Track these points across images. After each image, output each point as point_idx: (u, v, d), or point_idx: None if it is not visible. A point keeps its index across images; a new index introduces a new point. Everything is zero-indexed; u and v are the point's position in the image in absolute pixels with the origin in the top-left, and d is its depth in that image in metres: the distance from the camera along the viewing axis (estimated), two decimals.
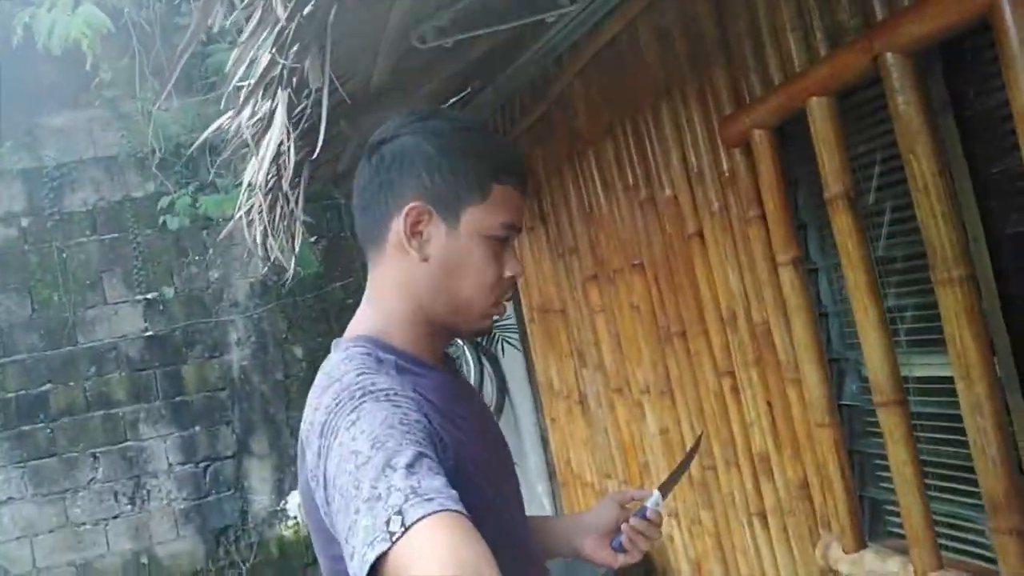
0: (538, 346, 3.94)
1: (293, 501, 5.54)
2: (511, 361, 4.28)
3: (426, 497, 0.79)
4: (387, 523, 0.78)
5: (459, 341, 4.18)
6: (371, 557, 0.77)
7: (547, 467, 4.21)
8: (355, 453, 0.85)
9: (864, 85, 1.71)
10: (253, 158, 2.11)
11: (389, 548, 0.77)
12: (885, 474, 1.92)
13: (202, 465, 5.49)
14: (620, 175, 2.77)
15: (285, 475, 5.53)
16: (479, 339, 4.22)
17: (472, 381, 4.16)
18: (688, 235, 2.41)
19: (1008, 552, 1.56)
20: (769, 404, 2.26)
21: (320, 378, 1.00)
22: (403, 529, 0.77)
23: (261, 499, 5.53)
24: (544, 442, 4.20)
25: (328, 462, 0.89)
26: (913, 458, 1.77)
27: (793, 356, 2.09)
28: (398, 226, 1.01)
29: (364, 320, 1.07)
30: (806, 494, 2.19)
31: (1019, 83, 1.32)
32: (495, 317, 1.09)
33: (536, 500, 4.31)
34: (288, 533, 5.52)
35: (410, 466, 0.82)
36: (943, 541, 1.84)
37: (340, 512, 0.85)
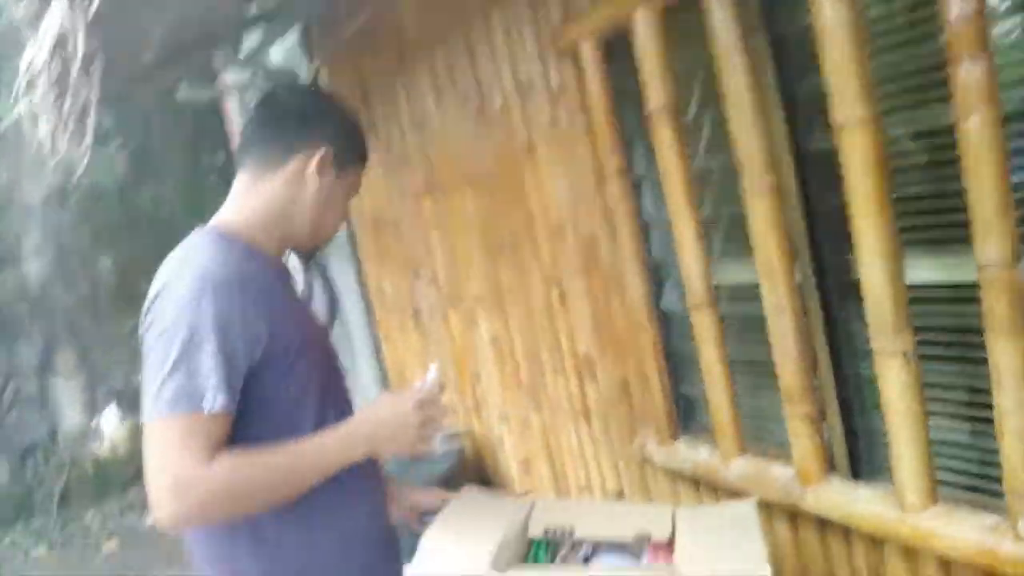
0: (371, 259, 3.87)
1: (107, 418, 5.24)
2: (342, 274, 4.18)
3: (229, 395, 1.14)
4: (201, 397, 1.12)
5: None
6: (178, 408, 1.12)
7: (381, 378, 4.21)
8: (192, 329, 1.13)
9: (687, 2, 1.75)
10: (31, 44, 1.86)
11: (184, 413, 1.11)
12: (698, 372, 2.07)
13: (0, 381, 5.03)
14: (452, 85, 2.71)
15: (96, 394, 5.20)
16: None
17: (299, 291, 4.03)
18: (519, 147, 2.42)
19: (799, 434, 1.74)
20: (594, 310, 2.36)
21: (176, 254, 1.24)
22: (211, 409, 1.12)
23: (71, 418, 5.18)
24: (377, 354, 4.18)
25: (154, 330, 1.17)
26: (721, 357, 1.92)
27: (617, 265, 2.18)
28: (305, 160, 1.30)
29: (230, 217, 1.31)
30: (626, 393, 2.34)
31: (822, 7, 1.40)
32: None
33: None
34: (103, 451, 5.24)
35: (230, 362, 1.14)
36: (748, 431, 2.02)
37: (155, 365, 1.14)
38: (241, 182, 1.32)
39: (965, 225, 1.35)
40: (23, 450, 5.11)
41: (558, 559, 1.53)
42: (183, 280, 1.16)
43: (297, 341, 1.25)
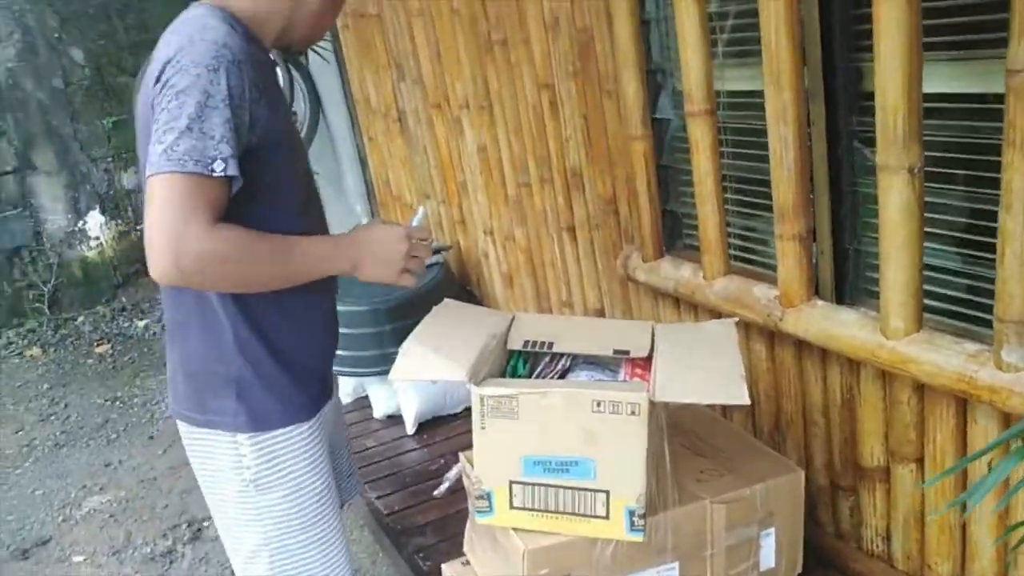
0: (353, 58, 3.63)
1: (93, 221, 5.17)
2: (325, 75, 3.94)
3: (238, 165, 1.14)
4: (212, 160, 1.11)
5: None
6: (187, 167, 1.10)
7: (365, 187, 4.09)
8: (207, 94, 1.12)
9: None
10: None
11: (194, 174, 1.10)
12: (688, 189, 1.95)
13: None
14: None
15: (80, 193, 5.08)
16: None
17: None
18: None
19: (787, 255, 1.66)
20: (585, 118, 2.21)
21: (185, 24, 1.20)
22: (223, 174, 1.12)
23: (55, 219, 5.10)
24: (362, 161, 4.04)
25: (168, 88, 1.13)
26: (715, 169, 1.80)
27: (613, 66, 2.00)
28: None
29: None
30: (613, 208, 2.23)
31: None
32: None
33: (355, 221, 4.23)
34: (91, 254, 5.20)
35: (239, 134, 1.14)
36: (733, 252, 1.94)
37: (166, 121, 1.12)
38: None
39: (997, 28, 1.18)
40: (9, 253, 5.06)
41: (536, 373, 1.50)
42: (199, 48, 1.14)
43: (283, 133, 1.27)
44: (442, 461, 2.58)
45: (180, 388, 1.36)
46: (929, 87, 1.35)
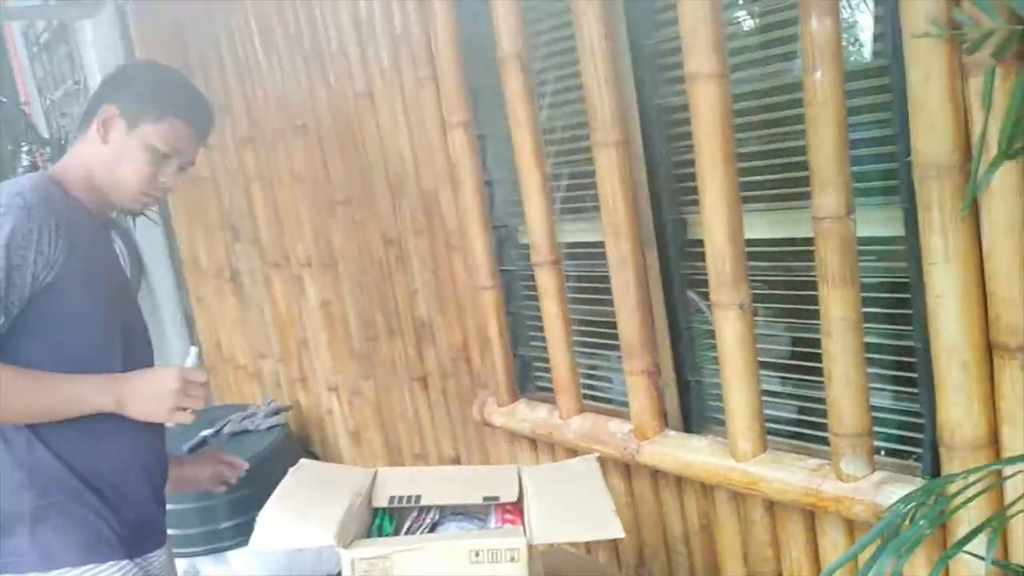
0: (182, 218, 3.56)
1: None
2: (148, 236, 3.81)
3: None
4: None
5: None
6: None
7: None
8: None
9: None
10: None
11: None
12: (538, 334, 2.05)
13: None
14: (281, 23, 2.51)
15: None
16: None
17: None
18: (357, 94, 2.28)
19: (638, 390, 1.77)
20: (433, 272, 2.29)
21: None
22: None
23: None
24: (189, 324, 3.86)
25: None
26: (563, 314, 1.91)
27: (459, 223, 2.11)
28: (97, 120, 1.37)
29: (55, 168, 1.40)
30: (464, 356, 2.28)
31: None
32: (147, 205, 1.46)
33: None
34: None
35: (8, 278, 1.20)
36: (585, 390, 2.04)
37: None
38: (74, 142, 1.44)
39: (801, 183, 1.40)
40: None
41: (404, 529, 1.46)
42: None
43: (83, 276, 1.29)
44: None
45: None
46: (755, 234, 1.55)
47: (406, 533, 1.44)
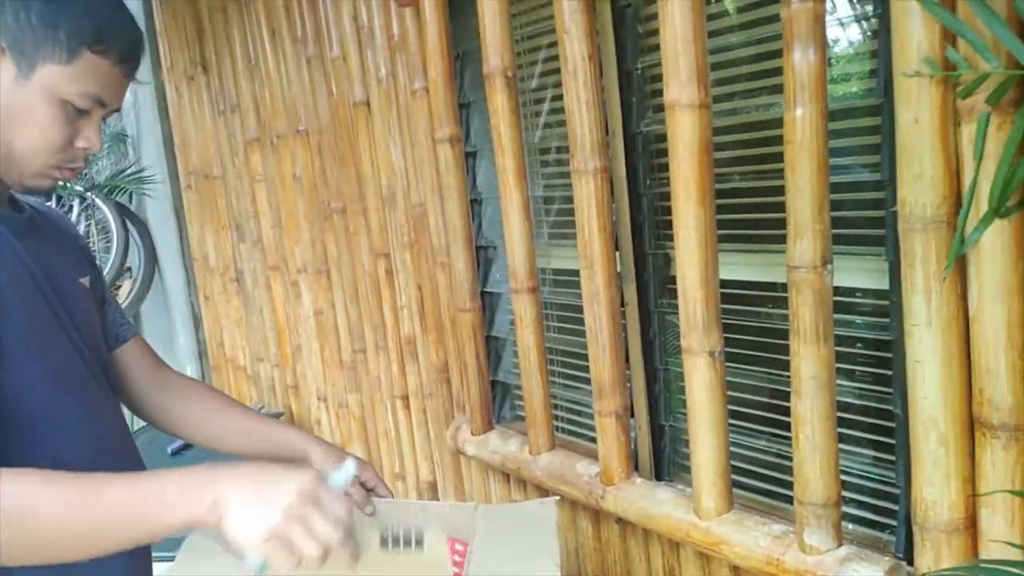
0: (194, 216, 3.55)
1: None
2: (163, 230, 3.82)
3: None
4: None
5: (98, 201, 3.64)
6: None
7: (198, 347, 3.89)
8: None
9: None
10: None
11: None
12: (516, 360, 1.96)
13: None
14: (289, 27, 2.48)
15: None
16: (115, 197, 3.70)
17: (115, 249, 3.65)
18: (354, 102, 2.23)
19: (607, 432, 1.67)
20: (420, 288, 2.22)
21: None
22: None
23: None
24: (196, 321, 3.86)
25: None
26: (539, 344, 1.82)
27: (445, 240, 2.04)
28: None
29: None
30: (445, 378, 2.20)
31: None
32: (62, 179, 1.02)
33: None
34: None
35: None
36: (560, 424, 1.94)
37: None
38: None
39: (781, 224, 1.30)
40: None
41: None
42: None
43: (16, 326, 0.94)
44: None
45: None
46: (729, 274, 1.45)
47: None
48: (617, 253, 1.62)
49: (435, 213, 2.07)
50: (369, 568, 1.08)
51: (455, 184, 1.92)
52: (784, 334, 1.37)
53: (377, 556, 1.17)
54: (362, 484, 1.18)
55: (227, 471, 0.81)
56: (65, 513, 0.78)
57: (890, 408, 1.31)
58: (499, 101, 1.70)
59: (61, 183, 1.04)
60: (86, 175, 3.71)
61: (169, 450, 2.78)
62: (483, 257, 2.05)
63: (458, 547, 1.40)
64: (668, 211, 1.53)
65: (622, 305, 1.64)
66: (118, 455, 1.10)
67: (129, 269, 3.88)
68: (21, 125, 0.94)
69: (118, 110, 1.04)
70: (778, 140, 1.24)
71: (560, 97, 1.76)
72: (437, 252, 2.10)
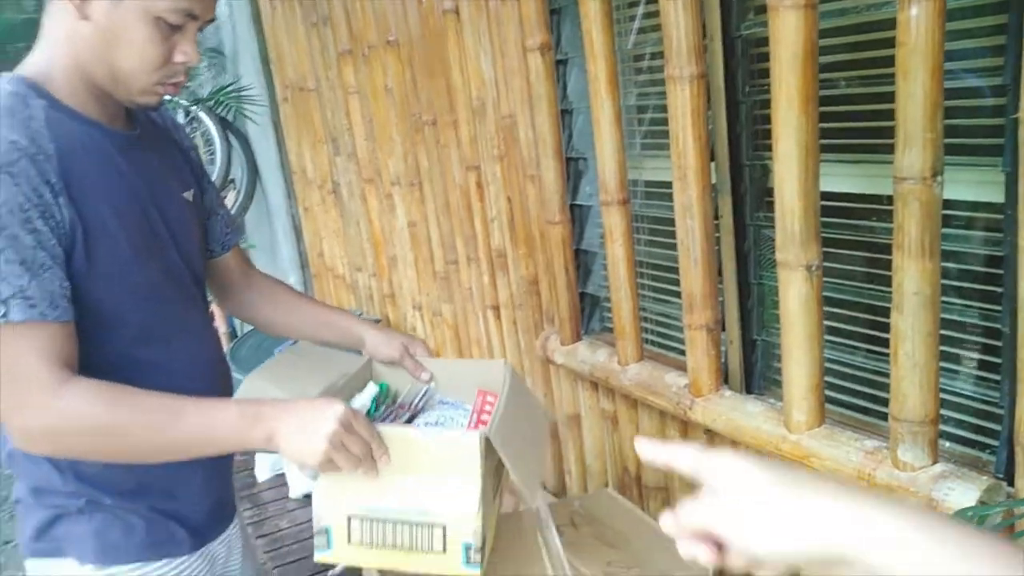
0: (291, 129, 3.64)
1: None
2: (263, 144, 3.93)
3: (30, 302, 0.92)
4: None
5: (203, 116, 3.76)
6: None
7: (299, 257, 4.05)
8: None
9: None
10: None
11: None
12: (605, 273, 1.96)
13: None
14: None
15: None
16: (223, 115, 3.81)
17: (218, 161, 3.79)
18: (444, 10, 2.20)
19: (696, 345, 1.67)
20: (509, 200, 2.22)
21: None
22: (4, 319, 0.91)
23: None
24: (297, 232, 4.00)
25: None
26: (628, 256, 1.81)
27: (535, 152, 2.03)
28: None
29: (31, 62, 1.04)
30: (535, 289, 2.23)
31: None
32: (168, 94, 1.08)
33: None
34: None
35: (24, 262, 0.91)
36: (648, 336, 1.95)
37: None
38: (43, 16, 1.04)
39: (889, 133, 1.23)
40: None
41: (382, 413, 1.43)
42: None
43: (123, 230, 1.02)
44: None
45: (25, 515, 1.13)
46: (831, 186, 1.39)
47: (387, 418, 1.41)
48: (712, 164, 1.58)
49: (525, 124, 2.05)
50: (400, 461, 1.15)
51: (545, 94, 1.90)
52: (885, 248, 1.32)
53: (405, 447, 1.21)
54: (411, 355, 1.38)
55: (277, 409, 1.01)
56: (149, 432, 0.98)
57: (998, 326, 1.25)
58: (591, 6, 1.65)
59: (168, 97, 1.10)
60: (188, 89, 3.83)
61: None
62: (573, 169, 2.03)
63: (489, 398, 1.46)
64: (767, 120, 1.47)
65: (716, 218, 1.61)
66: (208, 356, 1.22)
67: (232, 181, 4.03)
68: (121, 46, 0.99)
69: (212, 20, 1.06)
70: (888, 43, 1.17)
71: (655, 0, 1.69)
72: (527, 164, 2.09)
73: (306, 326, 1.42)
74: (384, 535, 1.24)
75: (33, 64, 1.03)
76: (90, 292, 1.00)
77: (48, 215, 0.94)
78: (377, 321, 3.24)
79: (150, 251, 1.08)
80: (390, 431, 1.15)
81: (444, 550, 1.24)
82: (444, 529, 1.23)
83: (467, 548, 1.23)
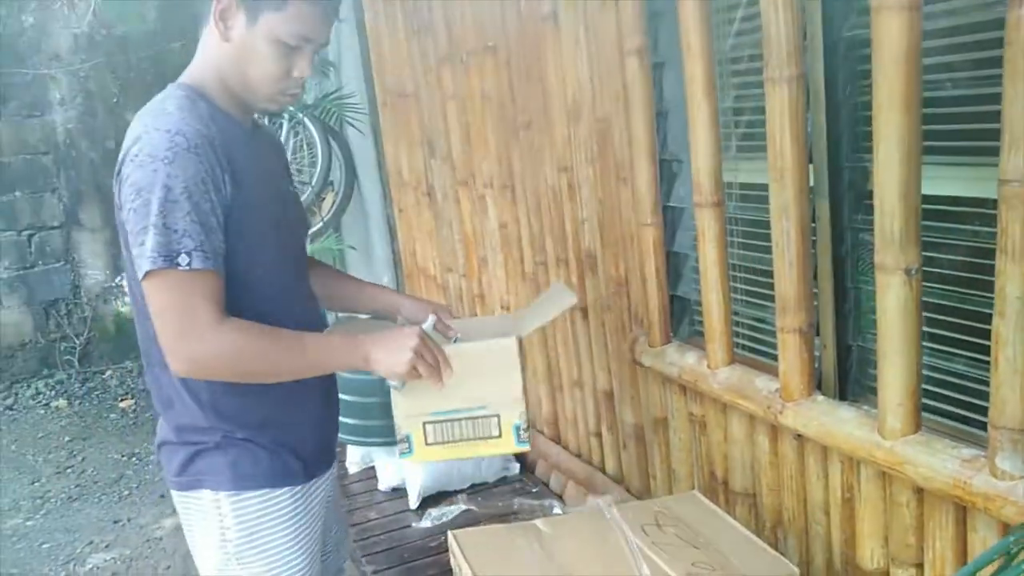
0: (389, 133, 3.76)
1: None
2: (362, 148, 4.09)
3: (206, 255, 1.19)
4: (177, 254, 1.16)
5: (306, 121, 3.93)
6: (158, 264, 1.16)
7: (393, 257, 4.17)
8: (167, 188, 1.16)
9: None
10: None
11: (166, 268, 1.17)
12: (697, 276, 1.97)
13: (26, 234, 5.11)
14: None
15: (120, 250, 5.27)
16: (324, 119, 3.98)
17: (320, 165, 3.96)
18: (542, 16, 2.26)
19: (788, 348, 1.66)
20: (601, 202, 2.26)
21: (150, 108, 1.25)
22: (188, 267, 1.17)
23: (94, 273, 5.27)
24: (391, 232, 4.13)
25: (129, 186, 1.19)
26: (721, 259, 1.82)
27: (629, 154, 2.06)
28: (215, 8, 1.25)
29: (191, 72, 1.32)
30: (624, 291, 2.25)
31: None
32: (287, 104, 1.37)
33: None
34: (125, 309, 5.33)
35: (203, 224, 1.18)
36: (738, 340, 1.94)
37: (135, 221, 1.19)
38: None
39: (994, 136, 1.21)
40: (47, 304, 5.21)
41: None
42: (154, 140, 1.18)
43: (253, 207, 1.28)
44: (442, 538, 2.54)
45: (169, 455, 1.39)
46: (934, 190, 1.37)
47: None
48: (810, 166, 1.58)
49: (619, 127, 2.08)
50: (457, 371, 1.41)
51: (641, 96, 1.92)
52: (986, 252, 1.30)
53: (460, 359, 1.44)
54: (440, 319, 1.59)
55: (370, 336, 1.32)
56: (284, 355, 1.26)
57: None
58: (690, 8, 1.67)
59: (280, 107, 1.37)
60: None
61: None
62: (666, 172, 2.05)
63: None
64: (868, 121, 1.46)
65: (812, 221, 1.60)
66: (311, 319, 1.49)
67: (332, 183, 4.20)
68: (251, 62, 1.26)
69: (327, 44, 1.31)
70: (996, 43, 1.15)
71: (755, 2, 1.70)
72: (620, 166, 2.12)
73: (351, 299, 1.69)
74: (452, 432, 1.50)
75: (190, 74, 1.31)
76: (237, 256, 1.25)
77: (218, 189, 1.20)
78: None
79: (279, 227, 1.36)
80: (448, 348, 1.42)
81: (500, 435, 1.51)
82: (498, 417, 1.49)
83: (517, 429, 1.52)
